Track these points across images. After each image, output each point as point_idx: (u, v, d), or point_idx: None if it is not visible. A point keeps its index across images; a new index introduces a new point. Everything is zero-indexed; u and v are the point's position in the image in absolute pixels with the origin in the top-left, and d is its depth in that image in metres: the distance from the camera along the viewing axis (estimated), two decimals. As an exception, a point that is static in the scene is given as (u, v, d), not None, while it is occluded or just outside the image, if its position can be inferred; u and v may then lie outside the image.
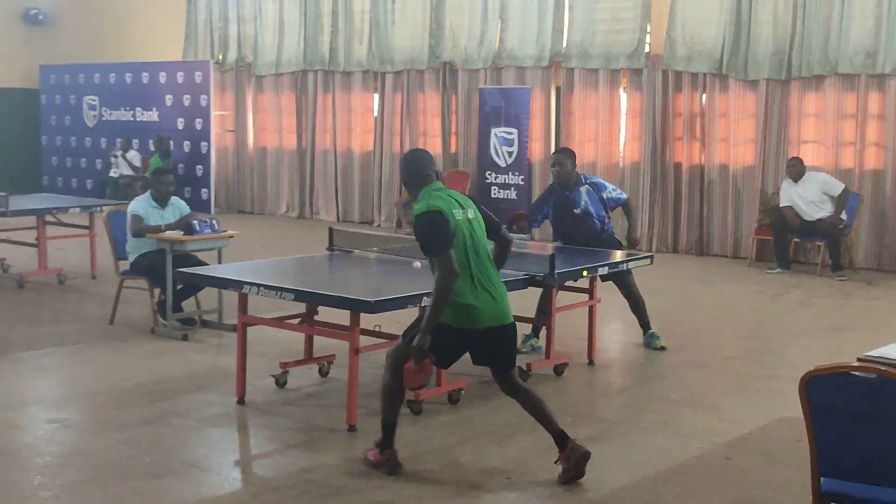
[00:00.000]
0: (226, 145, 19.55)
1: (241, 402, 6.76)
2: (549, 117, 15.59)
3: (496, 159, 16.01)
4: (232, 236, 9.05)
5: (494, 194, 16.04)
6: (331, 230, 7.96)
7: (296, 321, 7.05)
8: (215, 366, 7.85)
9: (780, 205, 12.75)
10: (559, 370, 7.62)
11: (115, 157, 18.70)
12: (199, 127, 18.51)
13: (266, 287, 6.26)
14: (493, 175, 16.05)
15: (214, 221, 8.92)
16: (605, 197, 8.53)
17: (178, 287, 8.83)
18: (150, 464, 5.67)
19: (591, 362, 7.95)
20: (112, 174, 18.69)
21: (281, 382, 7.16)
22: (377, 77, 17.42)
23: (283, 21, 18.38)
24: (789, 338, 9.14)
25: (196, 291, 9.09)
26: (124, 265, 9.16)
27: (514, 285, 6.76)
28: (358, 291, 6.30)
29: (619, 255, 8.05)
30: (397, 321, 7.01)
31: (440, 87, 16.65)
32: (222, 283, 6.59)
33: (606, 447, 6.04)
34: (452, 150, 16.68)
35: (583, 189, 8.49)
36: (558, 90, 15.52)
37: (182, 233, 8.72)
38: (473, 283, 5.36)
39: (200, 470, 5.59)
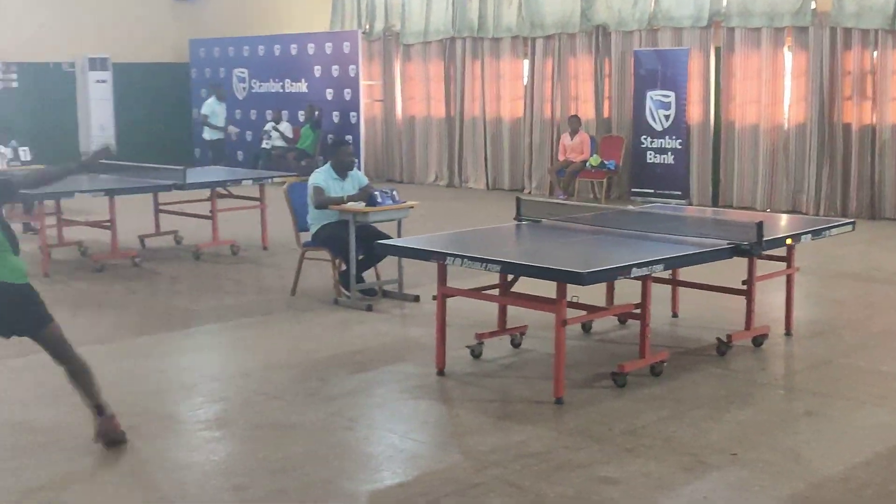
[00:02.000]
0: (374, 115, 19.64)
1: (440, 373, 6.73)
2: (709, 79, 15.17)
3: (652, 123, 15.68)
4: (412, 207, 9.03)
5: (650, 159, 15.73)
6: (518, 199, 7.85)
7: (490, 292, 6.99)
8: (406, 336, 7.86)
9: None
10: (758, 341, 7.38)
11: (269, 129, 18.96)
12: (347, 97, 18.60)
13: (470, 258, 6.19)
14: (649, 140, 15.73)
15: (395, 192, 8.91)
16: None
17: (359, 258, 8.87)
18: (366, 438, 5.68)
19: (788, 333, 7.69)
20: (264, 146, 18.96)
21: (476, 353, 7.11)
22: (527, 42, 17.21)
23: (431, -11, 18.31)
24: None
25: (377, 262, 9.11)
26: (305, 237, 9.23)
27: (718, 255, 6.56)
28: (562, 262, 6.19)
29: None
30: (591, 292, 6.89)
31: (592, 51, 16.37)
32: (424, 255, 6.54)
33: (826, 423, 5.82)
34: (606, 114, 16.41)
35: None
36: (717, 51, 15.07)
37: (364, 204, 8.73)
38: None
39: (419, 443, 5.58)
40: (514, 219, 7.79)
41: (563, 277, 5.86)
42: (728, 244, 6.63)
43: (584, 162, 15.79)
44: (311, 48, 19.19)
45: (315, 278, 9.61)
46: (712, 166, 15.27)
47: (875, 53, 13.67)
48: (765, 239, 6.64)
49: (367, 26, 19.47)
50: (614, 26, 16.05)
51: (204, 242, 11.41)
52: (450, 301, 7.23)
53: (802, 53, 14.28)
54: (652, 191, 15.69)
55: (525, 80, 17.40)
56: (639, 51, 15.78)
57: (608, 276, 5.85)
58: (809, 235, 7.28)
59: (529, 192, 17.14)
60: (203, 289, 9.68)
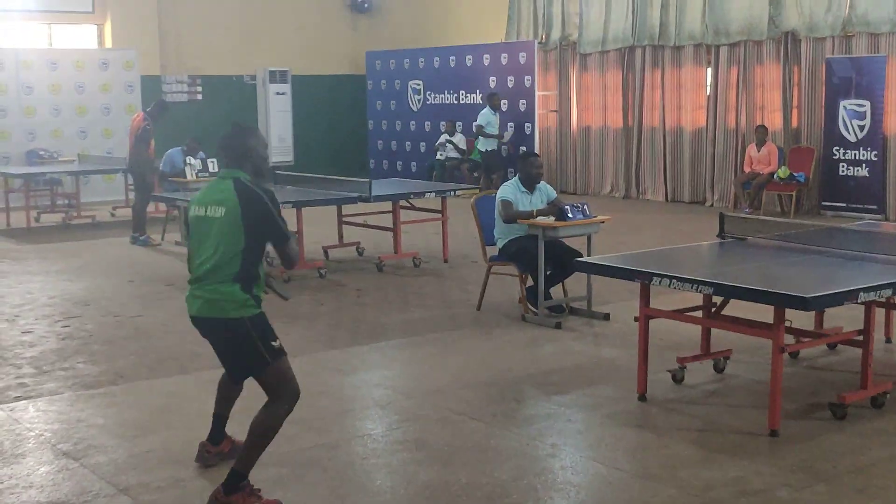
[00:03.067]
0: (549, 125, 19.38)
1: (642, 398, 6.42)
2: (908, 87, 14.34)
3: (845, 134, 14.92)
4: (603, 221, 8.74)
5: (843, 171, 14.98)
6: (721, 216, 7.47)
7: (694, 314, 6.65)
8: (600, 357, 7.56)
9: None
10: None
11: (443, 142, 18.95)
12: (522, 108, 18.41)
13: (679, 279, 5.86)
14: (842, 151, 14.97)
15: (585, 206, 8.63)
16: None
17: (547, 273, 8.62)
18: (572, 466, 5.42)
19: None
20: (438, 157, 18.96)
21: (678, 378, 6.77)
22: (710, 50, 16.66)
23: (610, -3, 17.94)
24: None
25: (565, 278, 8.86)
26: (491, 251, 9.04)
27: None
28: (780, 285, 5.79)
29: None
30: (794, 316, 6.44)
31: (781, 59, 15.69)
32: (628, 274, 6.24)
33: None
34: (794, 124, 15.71)
35: None
36: (919, 57, 14.24)
37: (553, 218, 8.49)
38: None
39: (627, 474, 5.28)
40: (718, 236, 7.41)
41: (784, 302, 5.47)
42: (930, 266, 6.10)
43: (772, 174, 15.15)
44: (486, 59, 19.09)
45: (499, 293, 9.42)
46: (914, 179, 14.43)
47: None
48: None
49: (544, 36, 19.24)
50: (805, 32, 15.35)
51: (386, 254, 11.38)
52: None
53: None
54: (844, 205, 14.94)
55: (708, 89, 16.84)
56: (831, 58, 15.05)
57: (834, 301, 5.42)
58: None
59: (711, 205, 16.60)
60: (389, 301, 9.60)
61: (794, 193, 15.09)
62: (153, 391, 6.84)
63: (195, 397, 6.56)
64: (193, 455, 5.44)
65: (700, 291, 5.90)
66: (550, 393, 6.65)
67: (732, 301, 6.26)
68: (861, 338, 6.13)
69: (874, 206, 14.63)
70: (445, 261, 11.45)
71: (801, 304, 5.38)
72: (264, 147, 5.08)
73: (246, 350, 4.81)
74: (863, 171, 14.77)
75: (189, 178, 13.13)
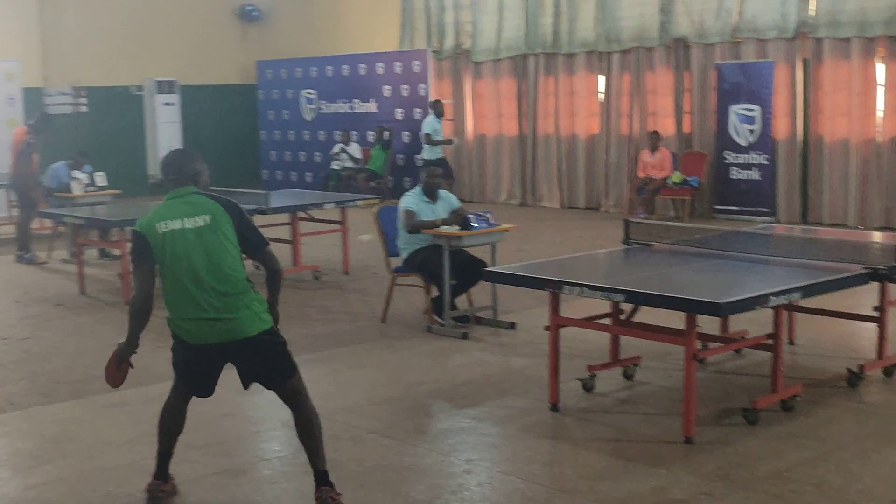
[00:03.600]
0: (444, 134, 19.26)
1: (554, 408, 6.34)
2: (795, 92, 14.64)
3: (736, 138, 15.18)
4: (507, 230, 8.66)
5: (735, 175, 15.23)
6: (626, 222, 7.45)
7: (604, 321, 6.60)
8: (510, 367, 7.47)
9: None
10: (890, 371, 6.90)
11: (337, 151, 18.73)
12: (418, 117, 18.31)
13: (590, 287, 5.79)
14: (733, 155, 15.23)
15: (489, 215, 8.55)
16: None
17: (452, 283, 8.51)
18: (489, 483, 5.30)
19: (917, 360, 7.19)
20: (334, 167, 18.73)
21: (589, 387, 6.71)
22: (603, 57, 16.79)
23: (503, 5, 17.94)
24: None
25: (470, 287, 8.75)
26: (395, 261, 8.89)
27: (855, 280, 6.10)
28: (691, 291, 5.77)
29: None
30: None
31: (672, 65, 15.90)
32: (538, 284, 6.15)
33: None
34: (686, 130, 15.92)
35: None
36: (805, 63, 14.55)
37: (457, 227, 8.38)
38: (185, 297, 4.72)
39: (546, 489, 5.17)
40: (623, 242, 7.38)
41: (697, 308, 5.44)
42: (864, 269, 6.17)
43: (665, 179, 15.32)
44: (379, 68, 18.95)
45: (404, 305, 9.28)
46: (801, 182, 14.73)
47: (975, 62, 13.09)
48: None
49: (437, 45, 19.16)
50: (695, 39, 15.58)
51: (286, 268, 11.07)
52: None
53: (896, 64, 13.73)
54: (737, 208, 15.20)
55: (601, 96, 16.97)
56: (721, 64, 15.30)
57: (746, 306, 5.41)
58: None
59: (607, 211, 16.74)
60: (290, 317, 9.32)
61: (687, 198, 15.29)
62: (47, 418, 6.50)
63: (91, 423, 6.27)
64: (92, 486, 5.15)
65: (612, 300, 5.85)
66: (462, 406, 6.53)
67: (640, 307, 6.24)
68: (771, 342, 6.14)
69: (766, 209, 14.91)
70: (347, 273, 11.25)
71: (715, 310, 5.37)
72: (207, 173, 5.04)
73: (279, 355, 4.84)
74: (754, 175, 15.04)
75: (75, 192, 12.64)
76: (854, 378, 6.67)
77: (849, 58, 14.08)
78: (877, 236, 7.70)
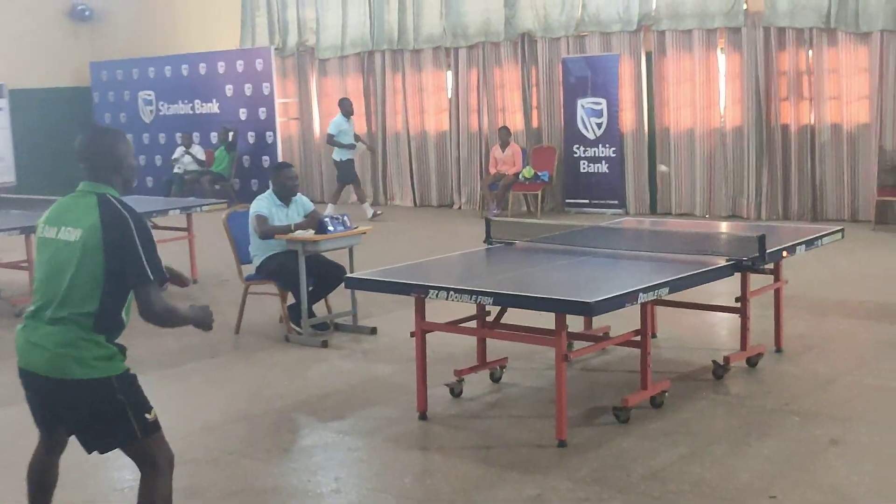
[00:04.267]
0: (290, 134, 18.88)
1: (423, 417, 6.11)
2: (641, 84, 14.82)
3: (584, 132, 15.28)
4: (365, 232, 8.39)
5: (584, 168, 15.33)
6: (487, 221, 7.26)
7: (470, 324, 6.41)
8: (373, 375, 7.20)
9: None
10: (753, 362, 6.92)
11: (179, 156, 18.11)
12: (263, 116, 17.89)
13: (457, 291, 5.58)
14: (582, 149, 15.33)
15: (346, 217, 8.26)
16: None
17: (309, 289, 8.19)
18: (361, 500, 5.03)
19: (779, 350, 7.25)
20: (176, 170, 18.10)
21: (457, 392, 6.50)
22: (449, 53, 16.67)
23: (347, 1, 17.62)
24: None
25: (327, 293, 8.45)
26: (248, 269, 8.51)
27: (720, 272, 6.07)
28: (560, 290, 5.62)
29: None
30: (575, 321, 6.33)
31: (519, 60, 15.89)
32: (403, 289, 5.90)
33: (857, 452, 5.35)
34: (535, 125, 15.94)
35: None
36: (648, 55, 14.74)
37: (313, 232, 8.06)
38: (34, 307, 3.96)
39: (418, 502, 4.93)
40: (485, 242, 7.20)
41: (568, 308, 5.30)
42: (728, 260, 6.14)
43: (517, 174, 15.30)
44: (221, 67, 18.41)
45: (258, 314, 8.89)
46: (648, 173, 14.92)
47: (810, 52, 13.47)
48: (767, 252, 6.17)
49: (280, 42, 18.70)
50: (540, 33, 15.61)
51: (130, 279, 10.55)
52: (406, 332, 6.61)
53: (736, 55, 14.02)
54: (587, 201, 15.31)
55: (449, 92, 16.86)
56: (567, 58, 15.38)
57: (616, 304, 5.27)
58: (804, 246, 6.84)
59: (459, 208, 16.66)
60: (136, 331, 8.71)
61: (539, 192, 15.30)
62: None
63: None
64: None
65: (480, 302, 5.65)
66: (326, 419, 6.23)
67: (513, 309, 6.07)
68: (639, 338, 6.06)
69: (615, 202, 15.05)
70: (195, 282, 10.76)
71: (585, 309, 5.23)
72: (133, 155, 4.16)
73: (111, 418, 3.88)
74: (603, 168, 15.17)
75: None
76: (719, 370, 6.66)
77: (691, 50, 14.32)
78: (737, 227, 7.76)
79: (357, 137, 15.99)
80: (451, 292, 5.59)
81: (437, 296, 5.67)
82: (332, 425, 6.11)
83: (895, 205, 12.79)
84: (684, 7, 14.22)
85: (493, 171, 15.62)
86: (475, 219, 15.18)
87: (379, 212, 15.68)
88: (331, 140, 15.77)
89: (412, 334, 6.13)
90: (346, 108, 15.84)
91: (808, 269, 9.68)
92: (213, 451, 5.73)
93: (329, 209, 15.13)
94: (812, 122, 13.57)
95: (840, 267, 10.32)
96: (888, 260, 10.77)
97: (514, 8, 15.77)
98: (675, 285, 5.70)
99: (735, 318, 7.25)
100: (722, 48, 14.16)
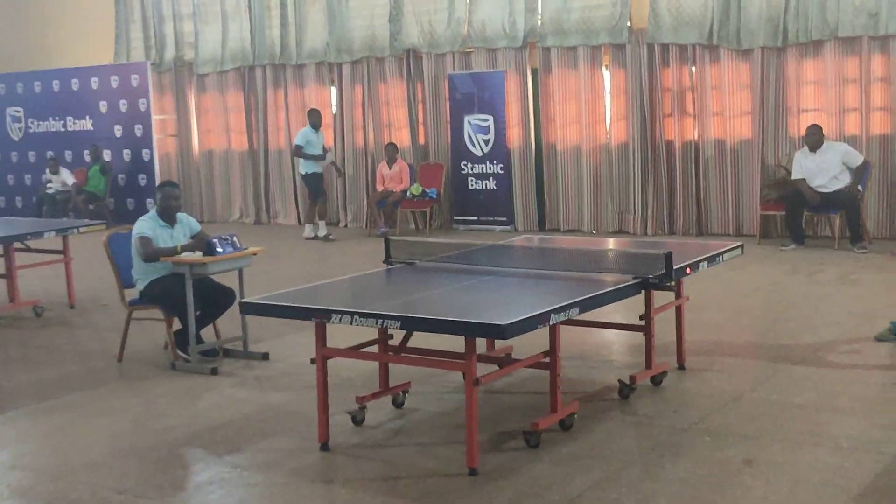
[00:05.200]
0: (168, 151, 18.32)
1: (324, 447, 5.81)
2: (527, 101, 14.79)
3: (471, 149, 15.18)
4: (255, 253, 8.05)
5: (472, 185, 15.22)
6: (387, 240, 7.02)
7: (372, 349, 6.15)
8: (269, 403, 6.86)
9: (794, 177, 12.18)
10: (657, 380, 6.83)
11: (48, 176, 17.41)
12: (139, 133, 17.33)
13: (361, 315, 5.31)
14: (470, 165, 15.21)
15: (235, 238, 7.91)
16: None
17: (196, 314, 7.81)
18: (264, 540, 4.71)
19: (681, 367, 7.18)
20: (48, 190, 17.36)
21: (359, 419, 6.22)
22: (333, 68, 16.39)
23: (226, 14, 17.21)
24: (875, 319, 8.39)
25: (216, 318, 8.07)
26: (131, 293, 8.07)
27: (628, 291, 5.95)
28: (470, 312, 5.40)
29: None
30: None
31: (404, 75, 15.71)
32: (304, 314, 5.60)
33: (772, 472, 5.25)
34: (422, 141, 15.77)
35: None
36: (534, 72, 14.72)
37: (201, 253, 7.69)
38: None
39: (328, 543, 4.65)
40: (385, 262, 6.95)
41: (480, 331, 5.09)
42: (635, 278, 6.03)
43: (405, 191, 15.09)
44: (94, 82, 17.77)
45: (143, 340, 8.47)
46: (536, 190, 14.88)
47: (693, 69, 13.63)
48: (674, 269, 6.08)
49: (157, 57, 18.13)
50: (426, 49, 15.47)
51: (1, 306, 9.98)
52: (301, 356, 6.34)
53: (621, 71, 14.10)
54: (475, 218, 15.20)
55: (333, 108, 16.56)
56: (453, 74, 15.26)
57: (529, 326, 5.07)
58: (706, 263, 6.78)
59: (346, 226, 16.38)
60: (11, 360, 8.34)
61: (427, 210, 15.12)
62: None
63: None
64: None
65: (387, 327, 5.39)
66: (221, 452, 5.87)
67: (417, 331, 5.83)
68: (548, 360, 5.89)
69: (504, 219, 14.97)
70: (72, 307, 10.25)
71: (498, 332, 5.01)
72: None
73: None
74: (491, 185, 15.08)
75: None
76: (625, 389, 6.54)
77: (576, 66, 14.35)
78: (642, 244, 7.68)
79: (325, 150, 15.19)
80: (356, 316, 5.32)
81: (340, 320, 5.40)
82: (227, 459, 5.76)
83: (778, 219, 12.98)
84: (569, 24, 14.25)
85: (380, 188, 15.38)
86: (362, 237, 14.93)
87: (332, 236, 14.89)
88: (298, 151, 14.88)
89: (313, 361, 5.84)
90: (314, 119, 15.00)
91: (701, 284, 9.66)
92: (100, 490, 5.32)
93: (307, 230, 14.97)
94: (696, 138, 13.74)
95: (731, 281, 10.38)
96: (775, 273, 10.89)
97: (399, 23, 15.60)
98: (586, 305, 5.55)
99: (634, 335, 7.18)
100: (607, 65, 14.23)
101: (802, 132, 12.72)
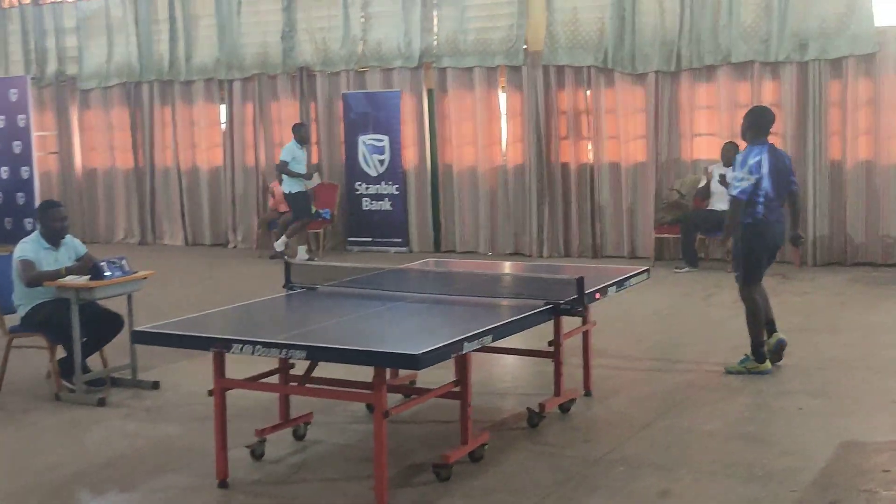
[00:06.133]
0: (49, 169, 17.59)
1: (223, 484, 5.49)
2: (423, 121, 14.63)
3: (366, 169, 14.94)
4: (146, 277, 7.66)
5: (367, 206, 14.97)
6: (287, 264, 6.72)
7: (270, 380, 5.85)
8: (161, 436, 6.49)
9: (711, 188, 12.26)
10: (566, 407, 6.69)
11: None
12: (17, 150, 16.53)
13: (264, 345, 5.03)
14: (364, 186, 14.97)
15: (124, 261, 7.51)
16: None
17: (83, 341, 7.38)
18: (161, 589, 4.39)
19: (588, 393, 7.06)
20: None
21: (258, 454, 5.92)
22: (223, 85, 15.98)
23: (111, 28, 16.64)
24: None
25: (103, 345, 7.66)
26: (12, 320, 7.60)
27: (540, 317, 5.79)
28: (380, 341, 5.18)
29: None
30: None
31: (297, 94, 15.40)
32: (202, 343, 5.28)
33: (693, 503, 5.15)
34: (315, 160, 15.45)
35: None
36: (430, 92, 14.58)
37: (88, 277, 7.28)
38: None
39: (231, 591, 4.35)
40: (284, 287, 6.66)
41: (392, 361, 4.86)
42: (546, 304, 5.87)
43: (297, 212, 14.74)
44: (-30, 97, 16.91)
45: (23, 369, 7.94)
46: (432, 211, 14.71)
47: (588, 92, 13.65)
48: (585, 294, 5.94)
49: (38, 71, 17.41)
50: (319, 67, 15.18)
51: None
52: (193, 385, 6.01)
53: (517, 93, 14.05)
54: (370, 239, 14.95)
55: (224, 126, 16.14)
56: (347, 93, 15.01)
57: (443, 356, 4.86)
58: (615, 287, 6.68)
59: (235, 247, 15.95)
60: None
61: (321, 231, 14.81)
62: None
63: None
64: None
65: (290, 357, 5.12)
66: (111, 491, 5.52)
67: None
68: (458, 389, 5.68)
69: (399, 240, 14.76)
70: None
71: (412, 362, 4.78)
72: None
73: None
74: (386, 206, 14.86)
75: None
76: (535, 417, 6.37)
77: (472, 87, 14.25)
78: (551, 269, 7.56)
79: (315, 168, 14.45)
80: (259, 346, 5.04)
81: (241, 350, 5.10)
82: (118, 499, 5.40)
83: (672, 242, 13.06)
84: (465, 45, 14.16)
85: (271, 208, 15.01)
86: (252, 259, 14.55)
87: (316, 258, 13.77)
88: (283, 168, 13.75)
89: (210, 393, 5.52)
90: (301, 133, 13.98)
91: (599, 308, 9.58)
92: (-21, 538, 4.92)
93: (301, 253, 13.91)
94: (591, 161, 13.74)
95: (629, 305, 10.31)
96: (671, 296, 10.90)
97: (293, 40, 15.30)
98: (500, 332, 5.37)
99: (538, 361, 7.06)
100: (503, 86, 14.17)
101: (695, 156, 12.83)
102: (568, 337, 6.73)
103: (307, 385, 5.81)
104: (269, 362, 5.87)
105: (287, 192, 13.90)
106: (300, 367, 5.91)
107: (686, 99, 13.12)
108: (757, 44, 12.54)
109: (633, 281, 6.94)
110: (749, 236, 7.40)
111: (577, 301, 5.91)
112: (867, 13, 12.02)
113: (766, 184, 7.28)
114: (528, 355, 7.10)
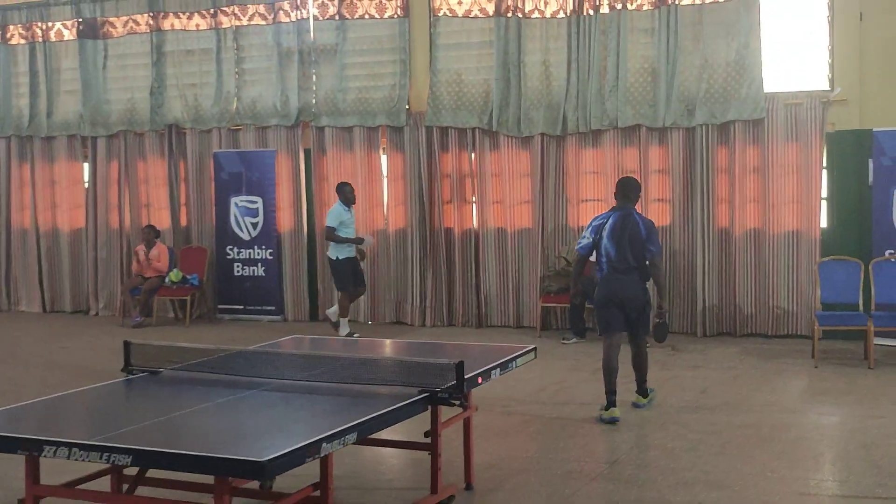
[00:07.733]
0: None
1: None
2: (299, 183, 13.90)
3: (238, 232, 14.14)
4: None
5: (238, 271, 14.13)
6: (126, 344, 5.89)
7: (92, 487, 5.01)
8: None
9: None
10: (445, 504, 5.97)
11: None
12: None
13: (83, 447, 4.21)
14: (236, 250, 14.14)
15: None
16: None
17: None
18: None
19: (469, 486, 6.36)
20: None
21: (83, 570, 5.05)
22: (87, 142, 15.03)
23: (-36, 82, 15.58)
24: (671, 413, 7.93)
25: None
26: None
27: (414, 408, 5.09)
28: (222, 444, 4.40)
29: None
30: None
31: (165, 152, 14.54)
32: (7, 445, 4.42)
33: None
34: (183, 223, 14.59)
35: None
36: (307, 152, 13.89)
37: None
38: None
39: None
40: (123, 371, 5.83)
41: (233, 470, 4.08)
42: (422, 392, 5.18)
43: (163, 277, 13.84)
44: None
45: None
46: (308, 277, 13.94)
47: (473, 155, 13.13)
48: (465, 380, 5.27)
49: None
50: (190, 124, 14.38)
51: None
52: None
53: (399, 155, 13.45)
54: (242, 306, 14.10)
55: (87, 185, 15.15)
56: (219, 152, 14.22)
57: (297, 460, 4.12)
58: (498, 370, 6.02)
59: (97, 314, 14.92)
60: None
61: (188, 297, 13.90)
62: None
63: None
64: None
65: (115, 462, 4.30)
66: None
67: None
68: (319, 493, 4.92)
69: (272, 307, 13.96)
70: None
71: (256, 471, 4.01)
72: None
73: None
74: (259, 271, 14.05)
75: None
76: (407, 520, 5.64)
77: (352, 148, 13.62)
78: (427, 349, 6.86)
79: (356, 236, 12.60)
80: (75, 449, 4.22)
81: (55, 454, 4.27)
82: None
83: (559, 311, 12.55)
84: (345, 104, 13.55)
85: (136, 273, 14.05)
86: (114, 327, 13.55)
87: (356, 334, 11.92)
88: (330, 234, 12.19)
89: (21, 501, 4.65)
90: (346, 195, 12.37)
91: (484, 389, 8.96)
92: None
93: (343, 326, 12.27)
94: (475, 225, 13.19)
95: (514, 380, 9.65)
96: (559, 370, 10.32)
97: (162, 96, 14.48)
98: (366, 428, 4.65)
99: (415, 451, 6.34)
100: (384, 147, 13.57)
101: (582, 222, 12.40)
102: (447, 426, 6.03)
103: (136, 494, 4.96)
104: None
105: (334, 258, 12.31)
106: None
107: (572, 163, 12.69)
108: (644, 108, 12.21)
109: (518, 361, 6.30)
110: (596, 290, 8.37)
111: (456, 388, 5.23)
112: (756, 79, 11.79)
113: (606, 244, 8.15)
114: (402, 447, 6.36)
